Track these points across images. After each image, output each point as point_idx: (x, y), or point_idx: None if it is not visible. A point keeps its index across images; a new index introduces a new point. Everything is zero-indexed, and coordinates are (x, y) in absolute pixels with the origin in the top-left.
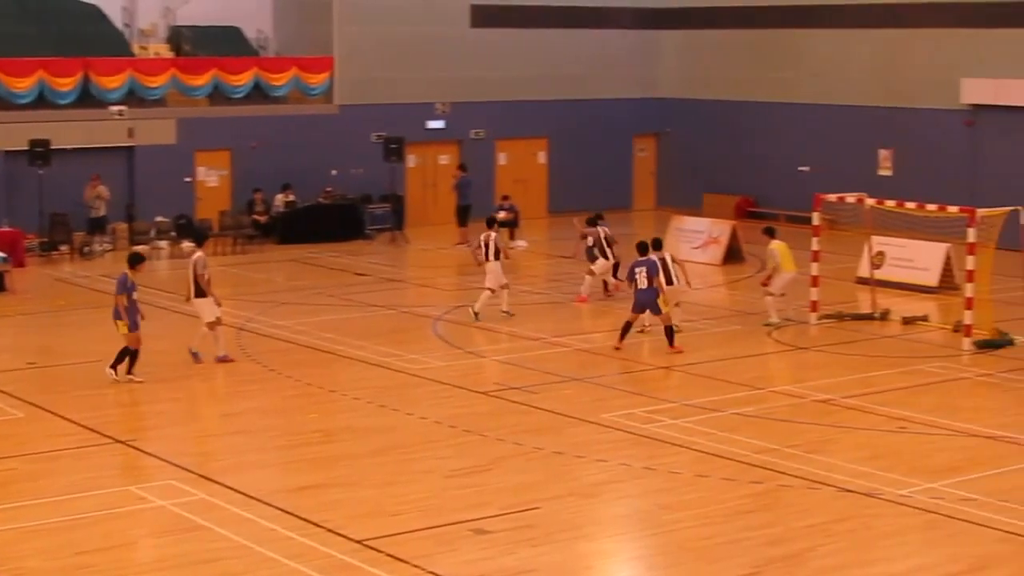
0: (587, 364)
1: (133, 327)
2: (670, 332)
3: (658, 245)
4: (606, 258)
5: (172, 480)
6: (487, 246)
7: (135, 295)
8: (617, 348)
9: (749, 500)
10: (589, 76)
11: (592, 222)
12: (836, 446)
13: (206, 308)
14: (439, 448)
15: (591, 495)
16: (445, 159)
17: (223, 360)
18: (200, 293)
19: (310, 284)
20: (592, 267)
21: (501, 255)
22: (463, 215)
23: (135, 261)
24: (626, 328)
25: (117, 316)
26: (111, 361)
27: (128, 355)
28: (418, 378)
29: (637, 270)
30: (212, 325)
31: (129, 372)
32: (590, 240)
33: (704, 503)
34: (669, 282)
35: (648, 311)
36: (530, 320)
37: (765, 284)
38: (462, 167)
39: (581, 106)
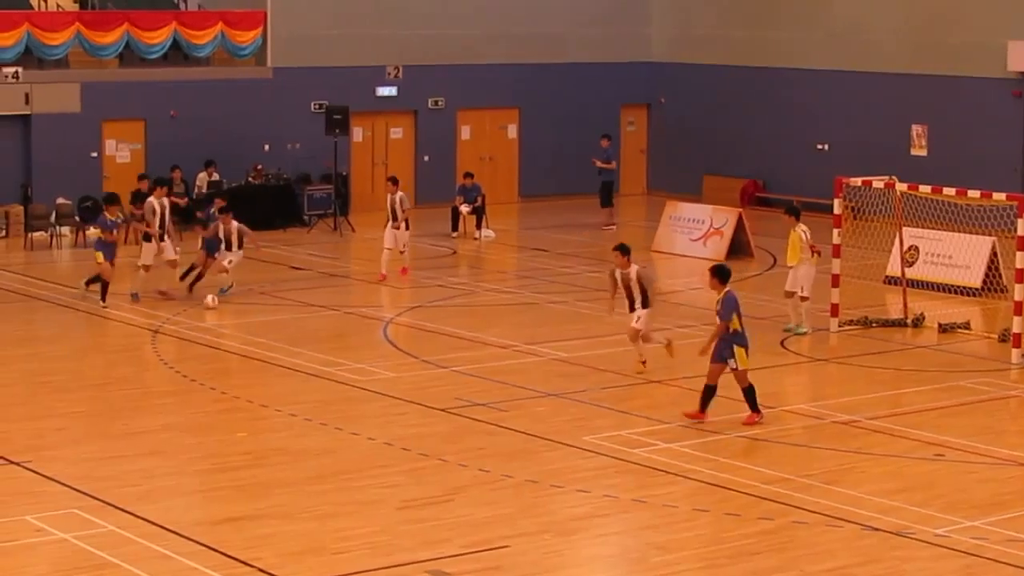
0: (566, 376)
1: (108, 257)
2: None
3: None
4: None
5: (75, 509)
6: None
7: (116, 232)
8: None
9: (757, 539)
10: (568, 36)
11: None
12: (860, 476)
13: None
14: (390, 474)
15: (570, 532)
16: (398, 132)
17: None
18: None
19: (237, 279)
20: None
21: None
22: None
23: (109, 201)
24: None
25: (96, 247)
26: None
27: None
28: (365, 391)
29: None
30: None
31: (102, 299)
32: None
33: (704, 542)
34: (645, 304)
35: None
36: (498, 324)
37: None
38: (606, 136)
39: (559, 71)
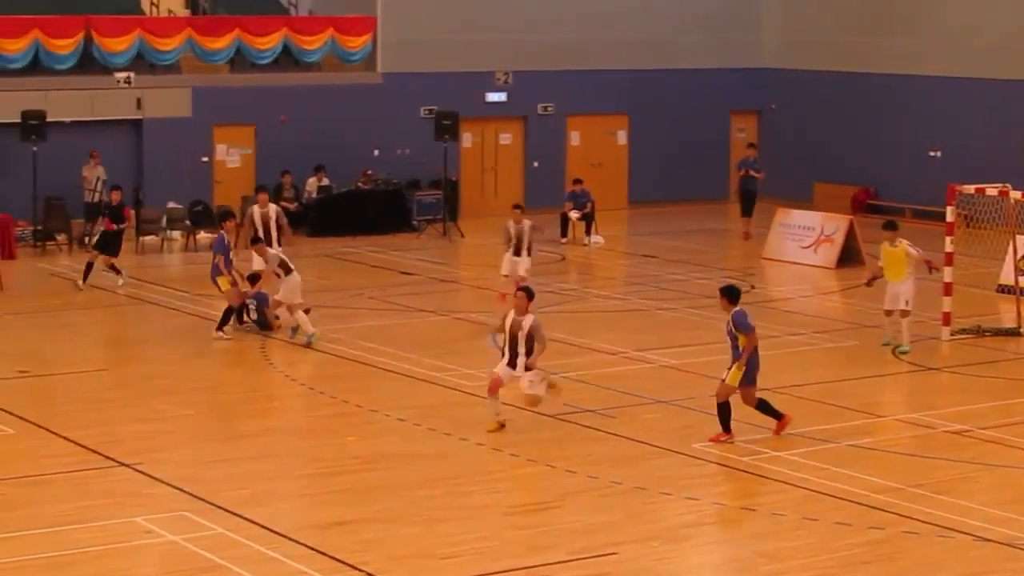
0: (675, 383)
1: (235, 283)
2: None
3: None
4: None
5: (184, 511)
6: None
7: (232, 255)
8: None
9: (867, 549)
10: (678, 41)
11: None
12: (972, 486)
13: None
14: (498, 480)
15: (678, 539)
16: (507, 138)
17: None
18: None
19: (347, 284)
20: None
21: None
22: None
23: (224, 217)
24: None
25: (216, 273)
26: (217, 324)
27: (230, 313)
28: (474, 397)
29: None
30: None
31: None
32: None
33: (813, 551)
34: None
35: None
36: (607, 330)
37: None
38: (753, 145)
39: (668, 77)
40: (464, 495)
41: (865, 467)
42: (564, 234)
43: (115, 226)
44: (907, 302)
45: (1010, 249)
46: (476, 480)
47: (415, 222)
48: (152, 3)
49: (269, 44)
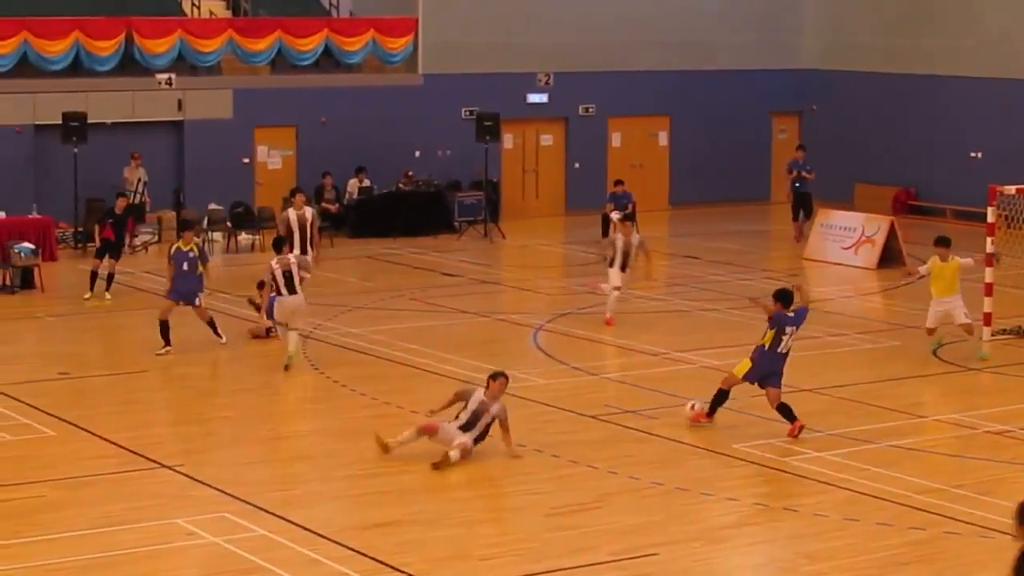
0: (716, 384)
1: (168, 293)
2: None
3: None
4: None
5: (226, 512)
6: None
7: (187, 264)
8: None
9: (908, 549)
10: (719, 43)
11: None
12: (1013, 487)
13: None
14: (538, 481)
15: (719, 540)
16: (548, 139)
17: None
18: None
19: (388, 285)
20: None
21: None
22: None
23: (180, 228)
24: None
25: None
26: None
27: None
28: (515, 398)
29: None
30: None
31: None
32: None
33: (854, 552)
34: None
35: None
36: (649, 331)
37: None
38: (802, 147)
39: (709, 78)
40: (505, 496)
41: (906, 468)
42: (605, 235)
43: (115, 236)
44: (965, 314)
45: None
46: (517, 481)
47: (456, 223)
48: (193, 4)
49: (310, 45)
